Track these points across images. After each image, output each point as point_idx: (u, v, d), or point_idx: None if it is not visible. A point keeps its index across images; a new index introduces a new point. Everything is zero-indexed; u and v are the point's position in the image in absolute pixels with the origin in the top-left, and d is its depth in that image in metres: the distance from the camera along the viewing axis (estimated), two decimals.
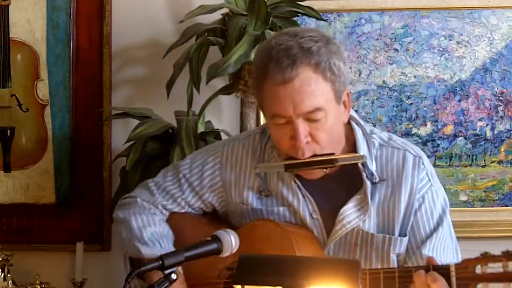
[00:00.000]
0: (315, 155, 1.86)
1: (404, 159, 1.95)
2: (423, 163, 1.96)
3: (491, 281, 1.58)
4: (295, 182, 1.96)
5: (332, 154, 1.87)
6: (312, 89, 1.81)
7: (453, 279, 1.62)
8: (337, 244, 1.94)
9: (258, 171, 1.99)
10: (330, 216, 1.94)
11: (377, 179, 1.92)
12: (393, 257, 1.93)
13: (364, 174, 1.91)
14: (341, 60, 1.87)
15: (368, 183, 1.91)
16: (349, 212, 1.91)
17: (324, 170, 1.89)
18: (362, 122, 1.99)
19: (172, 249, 2.02)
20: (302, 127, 1.82)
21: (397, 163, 1.94)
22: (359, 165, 1.91)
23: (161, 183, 2.12)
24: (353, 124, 1.97)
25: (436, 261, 1.76)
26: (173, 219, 2.13)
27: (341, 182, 1.94)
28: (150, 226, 2.06)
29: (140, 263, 1.69)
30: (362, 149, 1.93)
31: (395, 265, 1.93)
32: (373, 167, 1.93)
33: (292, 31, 1.90)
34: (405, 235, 1.93)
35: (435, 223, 1.94)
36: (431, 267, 1.68)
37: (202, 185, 2.07)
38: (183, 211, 2.12)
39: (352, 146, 1.95)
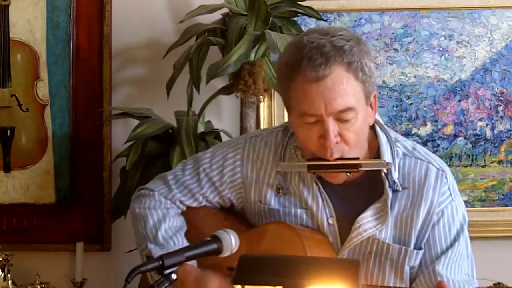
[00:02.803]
0: (339, 158, 1.83)
1: (427, 171, 1.91)
2: (446, 177, 1.93)
3: None
4: (317, 185, 1.93)
5: (357, 158, 1.84)
6: (344, 88, 1.79)
7: None
8: (351, 252, 1.91)
9: (280, 170, 1.97)
10: (346, 223, 1.92)
11: (399, 188, 1.89)
12: (406, 269, 1.90)
13: (387, 183, 1.88)
14: (371, 61, 1.85)
15: (390, 192, 1.88)
16: (367, 221, 1.89)
17: (348, 174, 1.86)
18: (387, 128, 1.96)
19: (186, 243, 2.02)
20: (333, 126, 1.79)
21: (419, 175, 1.91)
22: (382, 173, 1.88)
23: (180, 177, 2.09)
24: (377, 128, 1.94)
25: (449, 283, 1.74)
26: (189, 212, 2.11)
27: (361, 189, 1.92)
28: (165, 222, 2.05)
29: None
30: (386, 156, 1.90)
31: (408, 278, 1.91)
32: (395, 175, 1.90)
33: (322, 29, 1.88)
34: (420, 249, 1.90)
35: (452, 239, 1.91)
36: None
37: (222, 181, 2.05)
38: (201, 205, 2.10)
39: (374, 151, 1.92)
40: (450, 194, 1.93)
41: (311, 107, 1.80)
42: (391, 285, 1.88)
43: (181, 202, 2.10)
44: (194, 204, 2.10)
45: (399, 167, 1.91)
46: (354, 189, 1.92)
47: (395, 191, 1.89)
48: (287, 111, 1.92)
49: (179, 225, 2.07)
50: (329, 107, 1.78)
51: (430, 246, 1.91)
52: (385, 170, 1.88)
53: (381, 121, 1.97)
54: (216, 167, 2.06)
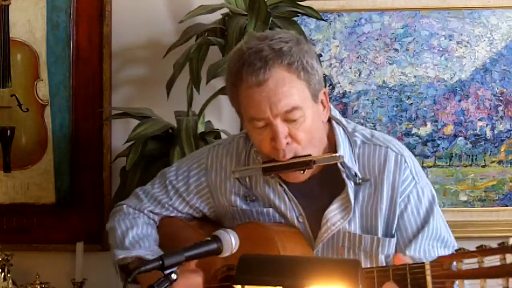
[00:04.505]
0: (293, 157, 1.84)
1: (385, 156, 1.92)
2: (405, 161, 1.92)
3: (467, 278, 1.53)
4: (281, 186, 1.95)
5: (309, 155, 1.85)
6: (288, 89, 1.80)
7: (428, 278, 1.57)
8: (325, 247, 1.93)
9: (237, 176, 1.98)
10: (315, 218, 1.93)
11: (360, 180, 1.90)
12: (381, 258, 1.91)
13: (344, 175, 1.89)
14: (313, 59, 1.86)
15: (350, 183, 1.89)
16: (333, 214, 1.90)
17: (302, 172, 1.86)
18: (344, 121, 1.97)
19: (154, 247, 2.04)
20: (281, 128, 1.81)
21: (379, 161, 1.92)
22: (339, 165, 1.89)
23: (149, 191, 2.14)
24: (333, 123, 1.95)
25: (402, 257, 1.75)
26: (164, 223, 2.13)
27: (324, 184, 1.93)
28: (132, 229, 2.08)
29: (135, 265, 1.68)
30: (342, 148, 1.90)
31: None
32: (355, 167, 1.91)
33: (261, 34, 1.90)
34: (392, 236, 1.91)
35: (422, 221, 1.92)
36: (407, 266, 1.61)
37: (189, 191, 2.08)
38: (172, 214, 2.12)
39: (333, 146, 1.93)
40: (413, 177, 1.93)
41: (257, 111, 1.81)
42: None
43: (150, 211, 2.13)
44: (165, 213, 2.13)
45: (359, 156, 1.93)
46: (317, 186, 1.93)
47: (358, 184, 1.90)
48: (240, 119, 1.95)
49: (148, 233, 2.09)
50: (274, 109, 1.80)
51: (402, 233, 1.91)
52: (339, 164, 1.88)
53: (337, 115, 1.98)
54: (181, 178, 2.09)
